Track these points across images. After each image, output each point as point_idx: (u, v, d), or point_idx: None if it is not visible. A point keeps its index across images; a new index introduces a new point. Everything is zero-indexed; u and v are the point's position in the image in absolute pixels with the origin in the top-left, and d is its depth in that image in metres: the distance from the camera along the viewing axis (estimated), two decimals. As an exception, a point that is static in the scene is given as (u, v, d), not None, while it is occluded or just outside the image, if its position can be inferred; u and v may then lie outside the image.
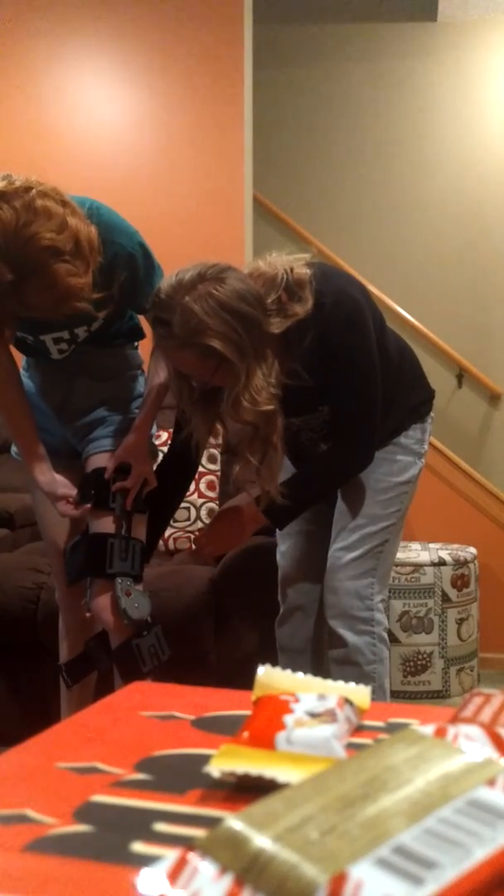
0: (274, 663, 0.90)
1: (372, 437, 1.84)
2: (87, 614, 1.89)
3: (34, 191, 1.46)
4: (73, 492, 1.86)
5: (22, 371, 1.99)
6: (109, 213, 1.69)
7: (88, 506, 1.84)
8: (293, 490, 1.78)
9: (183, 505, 2.70)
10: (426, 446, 1.97)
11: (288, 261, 1.71)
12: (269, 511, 1.82)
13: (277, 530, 2.07)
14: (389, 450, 1.91)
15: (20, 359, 2.00)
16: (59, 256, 1.46)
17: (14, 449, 2.05)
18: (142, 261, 1.73)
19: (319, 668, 1.97)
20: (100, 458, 1.89)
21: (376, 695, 1.85)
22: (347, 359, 1.73)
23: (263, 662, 0.89)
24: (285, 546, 2.05)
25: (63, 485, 1.86)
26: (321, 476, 1.87)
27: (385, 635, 1.89)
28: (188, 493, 2.70)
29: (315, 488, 1.88)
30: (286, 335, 1.66)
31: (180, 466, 1.96)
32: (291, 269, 1.68)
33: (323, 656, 1.97)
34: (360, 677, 1.83)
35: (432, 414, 2.01)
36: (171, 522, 2.53)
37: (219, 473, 2.90)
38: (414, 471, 1.93)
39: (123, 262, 1.69)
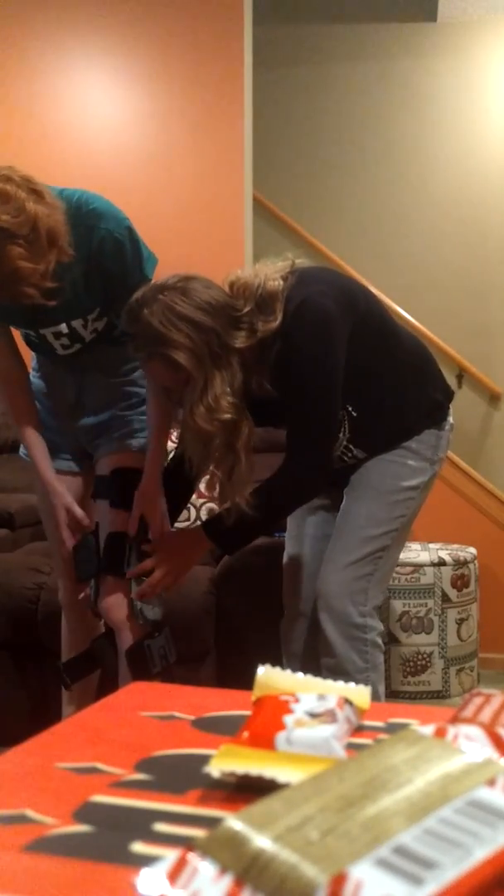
0: (274, 663, 0.90)
1: (325, 456, 1.74)
2: (91, 613, 1.89)
3: None
4: (74, 507, 1.87)
5: (32, 372, 2.00)
6: (98, 201, 1.70)
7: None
8: (241, 517, 1.69)
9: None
10: (441, 454, 1.89)
11: (271, 271, 1.70)
12: (216, 535, 1.75)
13: (287, 532, 2.04)
14: (399, 453, 1.84)
15: (29, 360, 2.00)
16: (12, 239, 1.50)
17: (23, 449, 2.05)
18: (129, 245, 1.72)
19: (319, 673, 1.96)
20: (112, 459, 1.90)
21: (370, 700, 1.84)
22: (303, 368, 1.67)
23: (263, 662, 0.89)
24: (293, 549, 2.02)
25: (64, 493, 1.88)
26: (269, 500, 1.73)
27: (379, 640, 1.85)
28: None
29: (263, 516, 1.71)
30: (261, 345, 1.65)
31: (178, 482, 1.92)
32: (265, 281, 1.66)
33: None
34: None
35: (451, 421, 1.92)
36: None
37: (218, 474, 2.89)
38: (424, 477, 1.86)
39: (110, 246, 1.70)
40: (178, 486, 1.93)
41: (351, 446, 1.84)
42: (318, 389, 1.69)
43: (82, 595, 1.88)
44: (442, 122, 4.43)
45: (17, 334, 1.90)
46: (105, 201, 1.71)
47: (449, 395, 1.93)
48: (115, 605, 1.81)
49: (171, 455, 2.00)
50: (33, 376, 1.99)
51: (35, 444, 1.89)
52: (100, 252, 1.69)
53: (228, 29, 3.31)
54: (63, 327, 1.80)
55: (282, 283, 1.67)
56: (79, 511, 1.85)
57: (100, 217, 1.68)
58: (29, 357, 1.99)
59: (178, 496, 1.97)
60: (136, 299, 1.63)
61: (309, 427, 1.73)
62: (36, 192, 1.55)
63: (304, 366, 1.67)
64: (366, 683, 1.81)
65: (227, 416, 1.62)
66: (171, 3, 3.33)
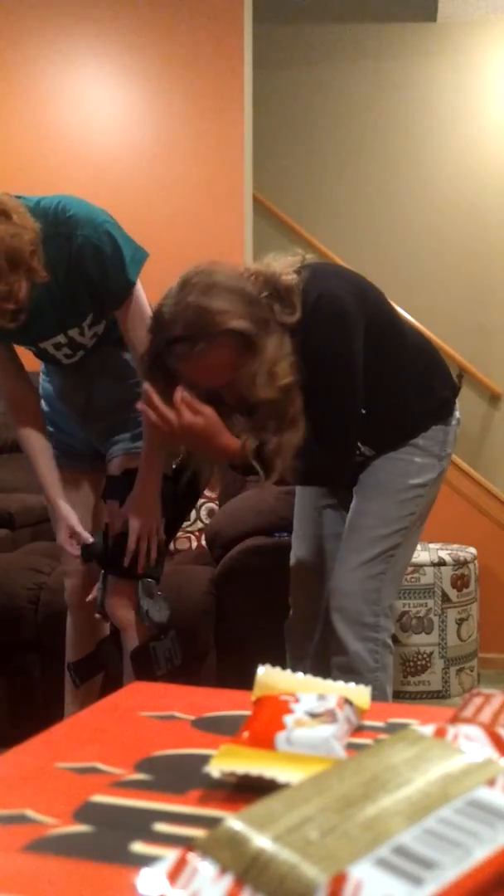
0: (275, 663, 0.90)
1: (349, 442, 1.75)
2: (97, 615, 1.89)
3: None
4: (78, 529, 1.87)
5: (42, 376, 2.00)
6: (76, 206, 1.69)
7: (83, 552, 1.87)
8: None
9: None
10: (449, 449, 1.89)
11: (284, 265, 1.69)
12: (245, 460, 1.66)
13: (293, 532, 2.04)
14: (406, 450, 1.84)
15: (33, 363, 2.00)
16: None
17: None
18: (109, 249, 1.70)
19: (327, 673, 1.95)
20: (124, 460, 1.90)
21: (378, 701, 1.83)
22: (326, 358, 1.67)
23: (264, 662, 0.89)
24: (300, 550, 2.01)
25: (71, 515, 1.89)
26: (302, 468, 1.73)
27: (389, 641, 1.85)
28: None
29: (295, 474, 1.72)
30: None
31: (183, 485, 1.91)
32: (280, 276, 1.65)
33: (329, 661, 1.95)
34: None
35: (458, 416, 1.92)
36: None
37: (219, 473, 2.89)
38: (432, 474, 1.86)
39: (89, 252, 1.69)
40: (184, 490, 1.93)
41: (359, 443, 1.84)
42: (341, 384, 1.69)
43: (90, 597, 1.88)
44: (442, 122, 4.42)
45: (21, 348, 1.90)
46: (83, 206, 1.70)
47: (455, 390, 1.94)
48: (121, 605, 1.81)
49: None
50: (43, 381, 1.99)
51: (42, 464, 1.89)
52: (79, 257, 1.68)
53: (228, 29, 3.31)
54: (60, 338, 1.81)
55: (296, 277, 1.67)
56: (84, 533, 1.86)
57: (77, 224, 1.67)
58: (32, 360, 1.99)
59: (183, 500, 1.97)
60: (164, 303, 1.58)
61: (332, 420, 1.72)
62: (1, 213, 1.54)
63: (327, 363, 1.67)
64: (375, 683, 1.81)
65: (289, 379, 1.59)
66: (171, 3, 3.33)
